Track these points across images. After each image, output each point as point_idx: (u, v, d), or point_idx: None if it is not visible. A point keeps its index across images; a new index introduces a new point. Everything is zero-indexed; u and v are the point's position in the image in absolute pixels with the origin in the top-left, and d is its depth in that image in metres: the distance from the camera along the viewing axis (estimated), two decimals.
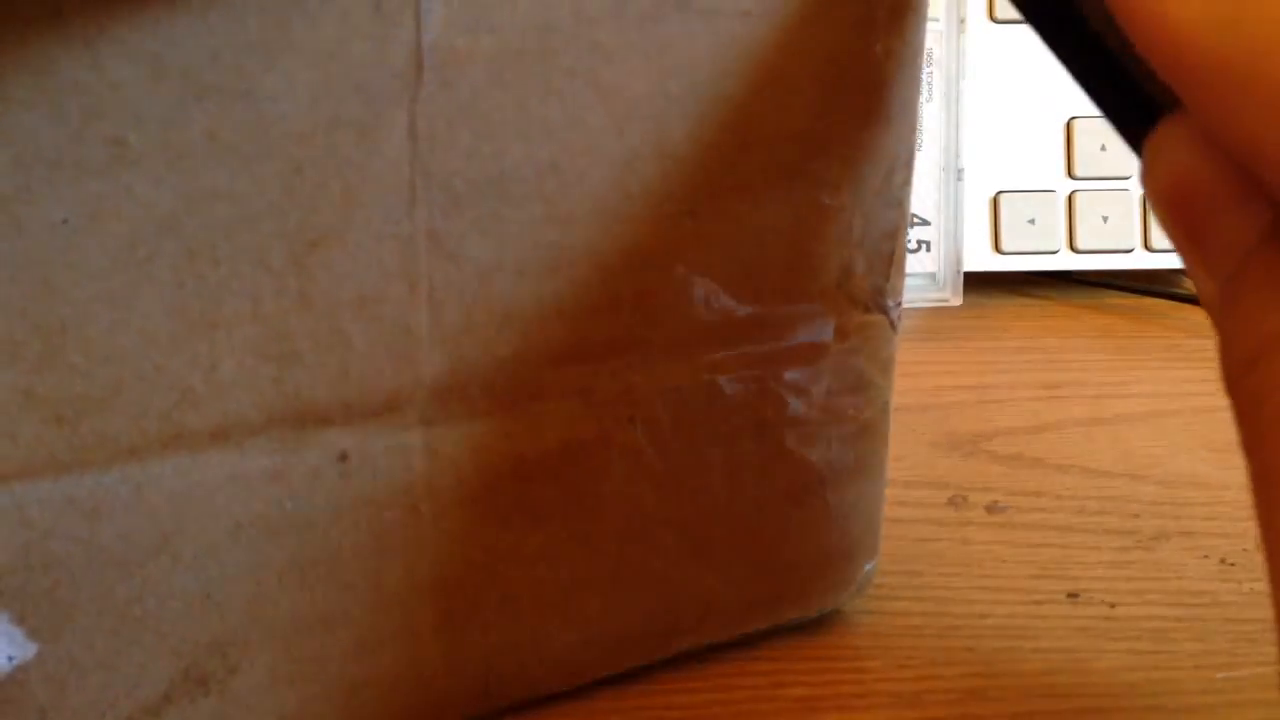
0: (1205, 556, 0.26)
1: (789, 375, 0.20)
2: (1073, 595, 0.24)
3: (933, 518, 0.28)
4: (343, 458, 0.17)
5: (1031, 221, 0.46)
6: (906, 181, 0.21)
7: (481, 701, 0.19)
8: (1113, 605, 0.24)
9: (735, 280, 0.19)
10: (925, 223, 0.43)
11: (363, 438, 0.17)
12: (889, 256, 0.21)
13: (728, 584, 0.21)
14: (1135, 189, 0.46)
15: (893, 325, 0.22)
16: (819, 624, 0.23)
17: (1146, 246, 0.46)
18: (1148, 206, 0.46)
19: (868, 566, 0.23)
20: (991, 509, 0.28)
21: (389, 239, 0.16)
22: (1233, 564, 0.25)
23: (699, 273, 0.19)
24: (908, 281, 0.45)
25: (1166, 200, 0.15)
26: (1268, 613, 0.24)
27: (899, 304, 0.22)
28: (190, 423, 0.16)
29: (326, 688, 0.18)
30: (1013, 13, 0.48)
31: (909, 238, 0.43)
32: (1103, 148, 0.46)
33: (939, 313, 0.45)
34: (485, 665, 0.19)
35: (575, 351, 0.18)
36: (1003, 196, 0.46)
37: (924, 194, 0.43)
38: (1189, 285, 0.46)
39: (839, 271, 0.20)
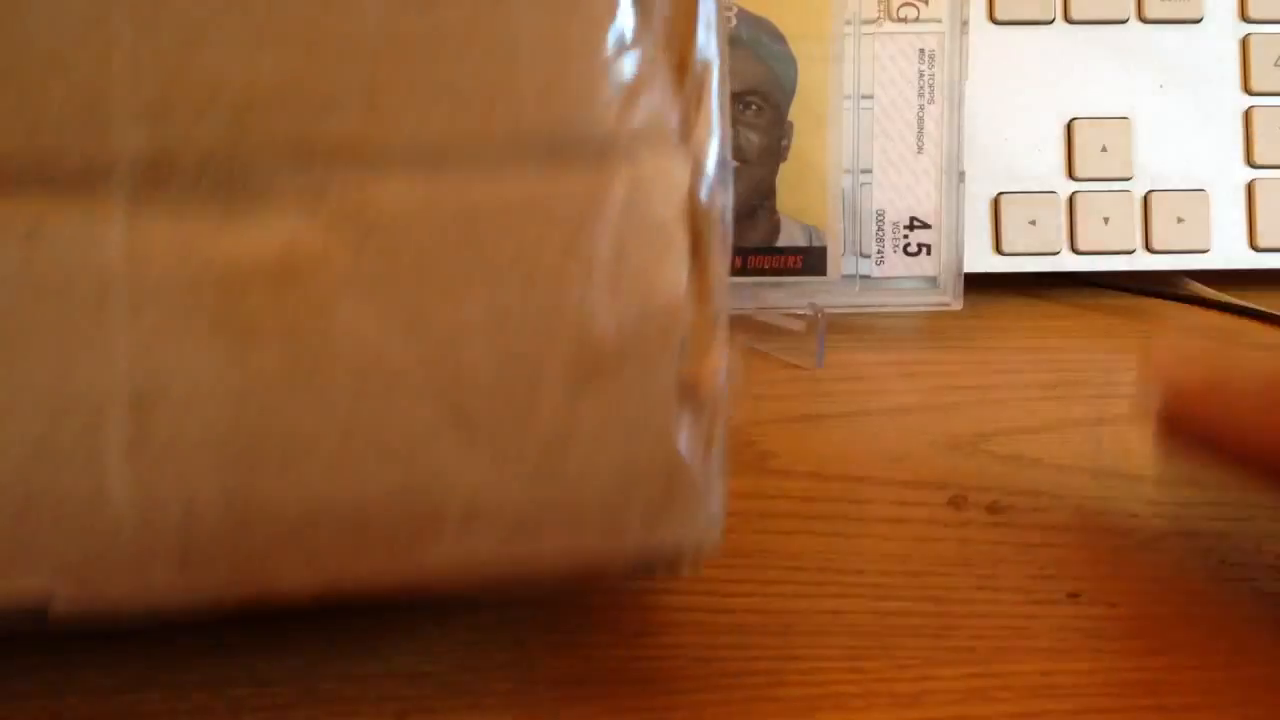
0: (1205, 556, 0.26)
1: (562, 212, 0.18)
2: (1073, 595, 0.24)
3: (933, 518, 0.28)
4: (30, 235, 0.16)
5: (1032, 223, 0.46)
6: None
7: (185, 567, 0.17)
8: (1113, 605, 0.24)
9: (482, 88, 0.17)
10: (925, 226, 0.43)
11: (56, 211, 0.17)
12: (697, 88, 0.18)
13: (502, 473, 0.18)
14: (1136, 190, 0.46)
15: (704, 179, 0.18)
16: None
17: (1147, 247, 0.46)
18: (1148, 207, 0.46)
19: (708, 506, 0.19)
20: (991, 509, 0.28)
21: None
22: (1233, 564, 0.25)
23: (440, 71, 0.17)
24: (908, 285, 0.45)
25: None
26: (1268, 612, 0.24)
27: (726, 160, 0.19)
28: None
29: None
30: (1013, 13, 0.48)
31: (908, 239, 0.43)
32: (1103, 149, 0.46)
33: (939, 314, 0.44)
34: (184, 512, 0.17)
35: (297, 148, 0.17)
36: (1004, 198, 0.46)
37: (924, 197, 0.43)
38: (1189, 286, 0.46)
39: (621, 93, 0.18)
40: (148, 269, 0.17)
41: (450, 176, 0.17)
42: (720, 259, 0.19)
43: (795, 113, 0.41)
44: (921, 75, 0.42)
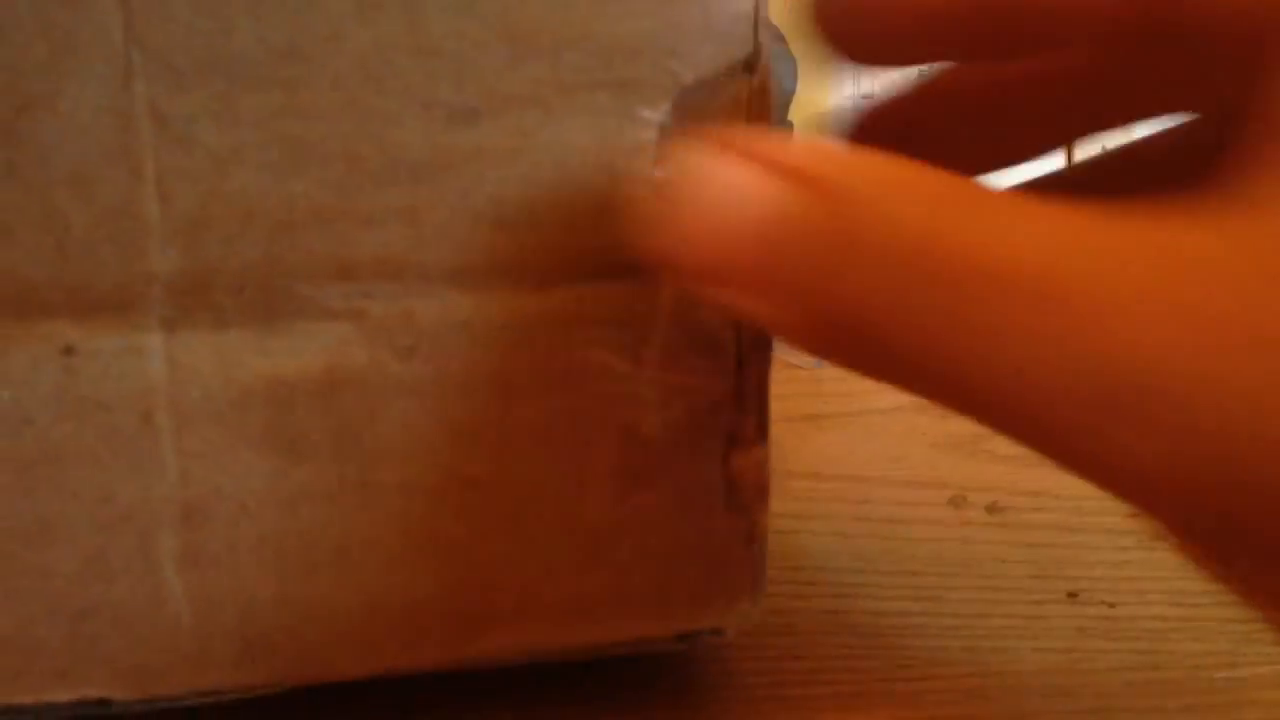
0: None
1: (612, 320, 0.18)
2: (1073, 595, 0.24)
3: (933, 518, 0.28)
4: (68, 351, 0.16)
5: None
6: (764, 93, 0.18)
7: (244, 663, 0.18)
8: (1113, 605, 0.24)
9: (529, 208, 0.17)
10: None
11: (91, 333, 0.16)
12: None
13: (552, 571, 0.18)
14: None
15: None
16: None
17: None
18: None
19: (751, 590, 0.19)
20: (991, 509, 0.28)
21: (105, 113, 0.16)
22: None
23: (484, 190, 0.17)
24: None
25: None
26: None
27: None
28: None
29: (50, 608, 0.17)
30: None
31: None
32: (1103, 149, 0.46)
33: None
34: (240, 614, 0.18)
35: (339, 266, 0.17)
36: None
37: None
38: None
39: None
40: (190, 386, 0.17)
41: (497, 292, 0.17)
42: (763, 357, 0.19)
43: (795, 113, 0.41)
44: (922, 75, 0.42)
